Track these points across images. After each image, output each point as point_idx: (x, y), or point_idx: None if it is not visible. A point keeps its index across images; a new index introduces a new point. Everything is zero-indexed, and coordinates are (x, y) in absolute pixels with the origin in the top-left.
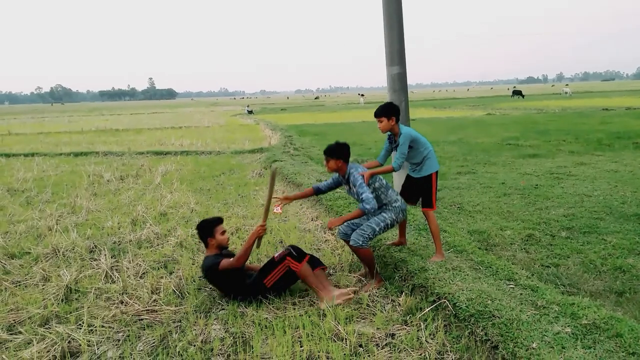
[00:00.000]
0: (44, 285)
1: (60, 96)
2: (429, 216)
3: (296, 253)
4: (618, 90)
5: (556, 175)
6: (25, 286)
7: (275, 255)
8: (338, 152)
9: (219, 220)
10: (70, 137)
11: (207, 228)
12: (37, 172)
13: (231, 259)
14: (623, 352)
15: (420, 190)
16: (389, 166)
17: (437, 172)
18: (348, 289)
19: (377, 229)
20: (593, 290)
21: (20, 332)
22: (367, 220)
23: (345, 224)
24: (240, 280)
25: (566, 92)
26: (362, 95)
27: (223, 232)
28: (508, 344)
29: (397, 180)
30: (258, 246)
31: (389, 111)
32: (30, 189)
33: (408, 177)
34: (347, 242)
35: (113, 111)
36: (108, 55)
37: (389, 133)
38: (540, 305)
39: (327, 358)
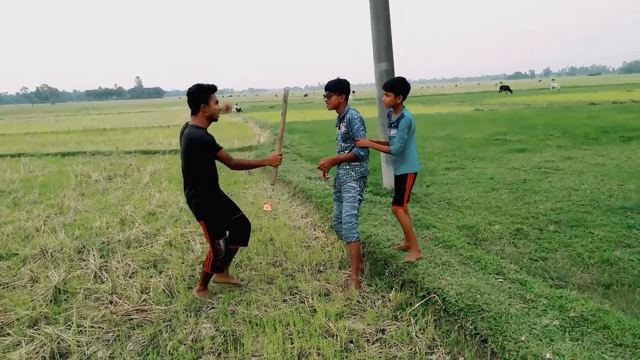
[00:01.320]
0: (32, 286)
1: (46, 96)
2: (397, 214)
3: (216, 264)
4: (604, 84)
5: (544, 170)
6: (13, 288)
7: (216, 242)
8: (341, 87)
9: (214, 88)
10: (57, 137)
11: (204, 93)
12: (24, 172)
13: (230, 156)
14: (610, 343)
15: (395, 187)
16: (388, 147)
17: (415, 174)
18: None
19: (357, 212)
20: (581, 283)
21: (8, 334)
22: (345, 208)
23: (335, 219)
24: (213, 183)
25: (554, 87)
26: (353, 92)
27: (216, 102)
28: (497, 338)
29: (387, 176)
30: (272, 183)
31: (398, 87)
32: (17, 189)
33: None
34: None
35: (100, 111)
36: (94, 54)
37: (388, 111)
38: (528, 299)
39: (318, 355)
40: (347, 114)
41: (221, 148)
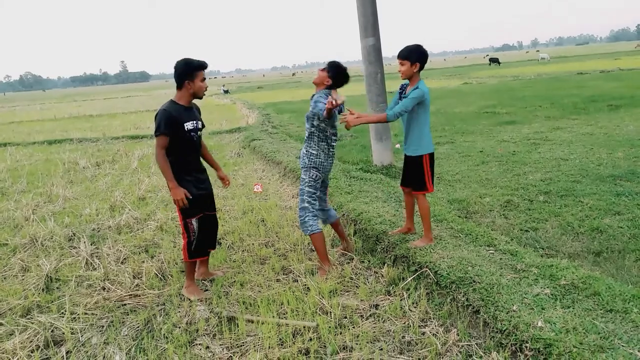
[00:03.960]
0: (23, 275)
1: (30, 84)
2: (419, 199)
3: (191, 248)
4: (592, 54)
5: (533, 141)
6: (4, 278)
7: (188, 222)
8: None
9: (204, 65)
10: (43, 125)
11: (190, 69)
12: (11, 162)
13: (163, 149)
14: (601, 309)
15: (411, 171)
16: (382, 114)
17: (431, 155)
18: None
19: (307, 205)
20: (571, 251)
21: (1, 324)
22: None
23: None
24: (185, 158)
25: (544, 58)
26: None
27: (203, 79)
28: (489, 308)
29: (377, 153)
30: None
31: (415, 54)
32: (4, 179)
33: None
34: (331, 223)
35: (86, 97)
36: (77, 39)
37: (403, 84)
38: (519, 269)
39: (313, 332)
40: (316, 94)
41: (164, 134)
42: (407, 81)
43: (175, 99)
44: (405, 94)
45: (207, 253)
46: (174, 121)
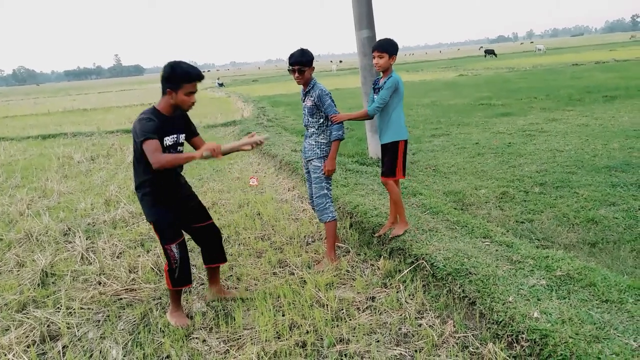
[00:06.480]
0: (18, 271)
1: (24, 78)
2: (388, 185)
3: (174, 275)
4: (587, 45)
5: (528, 133)
6: (0, 273)
7: (167, 248)
8: (311, 59)
9: (194, 77)
10: (37, 119)
11: (176, 77)
12: (5, 157)
13: (157, 155)
14: (597, 300)
15: (385, 158)
16: (363, 111)
17: (405, 142)
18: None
19: (327, 192)
20: (567, 242)
21: None
22: (314, 189)
23: (310, 198)
24: (157, 175)
25: (540, 49)
26: (340, 61)
27: (190, 94)
28: (485, 299)
29: (372, 145)
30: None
31: (392, 47)
32: None
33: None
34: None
35: (80, 91)
36: (71, 33)
37: (376, 78)
38: (515, 260)
39: (310, 325)
40: (315, 89)
41: (151, 139)
42: (379, 75)
43: (158, 107)
44: (379, 84)
45: (191, 280)
46: (157, 131)
